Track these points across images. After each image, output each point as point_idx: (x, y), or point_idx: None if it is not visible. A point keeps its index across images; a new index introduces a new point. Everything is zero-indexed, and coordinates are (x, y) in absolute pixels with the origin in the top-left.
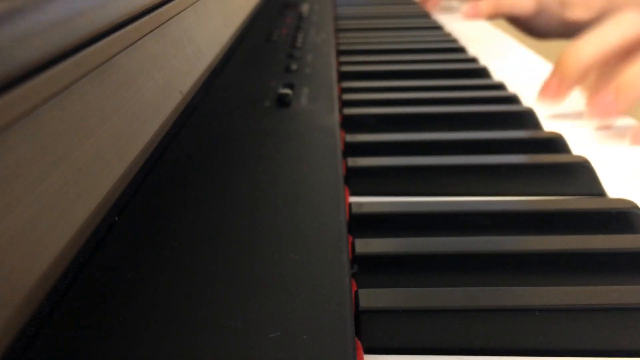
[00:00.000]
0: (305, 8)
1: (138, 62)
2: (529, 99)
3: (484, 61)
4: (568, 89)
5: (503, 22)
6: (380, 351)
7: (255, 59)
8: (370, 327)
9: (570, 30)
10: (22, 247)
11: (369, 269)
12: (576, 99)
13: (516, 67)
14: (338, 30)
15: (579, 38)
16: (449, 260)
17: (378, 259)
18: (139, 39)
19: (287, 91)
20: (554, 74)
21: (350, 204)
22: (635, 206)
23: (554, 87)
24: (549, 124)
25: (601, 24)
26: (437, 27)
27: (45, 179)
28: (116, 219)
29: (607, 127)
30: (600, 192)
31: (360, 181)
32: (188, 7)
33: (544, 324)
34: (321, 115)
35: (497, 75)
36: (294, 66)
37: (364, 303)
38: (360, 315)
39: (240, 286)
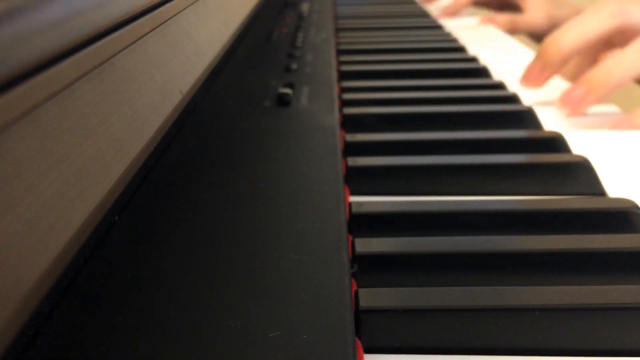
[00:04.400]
0: (305, 7)
1: (138, 62)
2: (527, 98)
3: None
4: (549, 76)
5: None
6: (380, 351)
7: (255, 59)
8: (370, 327)
9: None
10: (22, 247)
11: (369, 268)
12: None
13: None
14: (338, 30)
15: (560, 27)
16: (449, 260)
17: (378, 258)
18: (139, 39)
19: (287, 90)
20: (536, 60)
21: (350, 204)
22: (635, 206)
23: (536, 73)
24: (549, 124)
25: (582, 14)
26: (437, 27)
27: (45, 179)
28: (116, 218)
29: (579, 114)
30: (600, 192)
31: (360, 181)
32: (188, 6)
33: (544, 323)
34: (321, 114)
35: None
36: (294, 65)
37: (364, 303)
38: (360, 315)
39: (240, 286)
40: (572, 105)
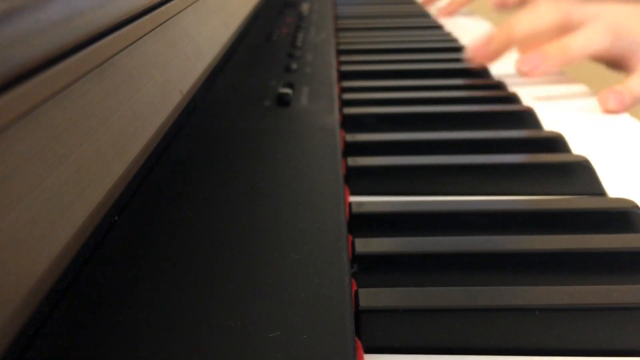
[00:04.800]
0: (305, 7)
1: (138, 62)
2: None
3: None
4: (493, 56)
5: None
6: (380, 351)
7: (255, 59)
8: (370, 327)
9: None
10: (22, 247)
11: (369, 268)
12: (577, 98)
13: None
14: (338, 30)
15: (516, 15)
16: (449, 260)
17: (378, 258)
18: (139, 39)
19: (287, 91)
20: (486, 39)
21: (350, 204)
22: (636, 206)
23: (482, 51)
24: (549, 123)
25: (534, 7)
26: (437, 27)
27: (45, 179)
28: (116, 218)
29: (531, 77)
30: (600, 192)
31: (360, 180)
32: (188, 7)
33: (544, 323)
34: (321, 114)
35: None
36: (294, 65)
37: (364, 302)
38: (360, 315)
39: (240, 286)
40: (527, 68)
